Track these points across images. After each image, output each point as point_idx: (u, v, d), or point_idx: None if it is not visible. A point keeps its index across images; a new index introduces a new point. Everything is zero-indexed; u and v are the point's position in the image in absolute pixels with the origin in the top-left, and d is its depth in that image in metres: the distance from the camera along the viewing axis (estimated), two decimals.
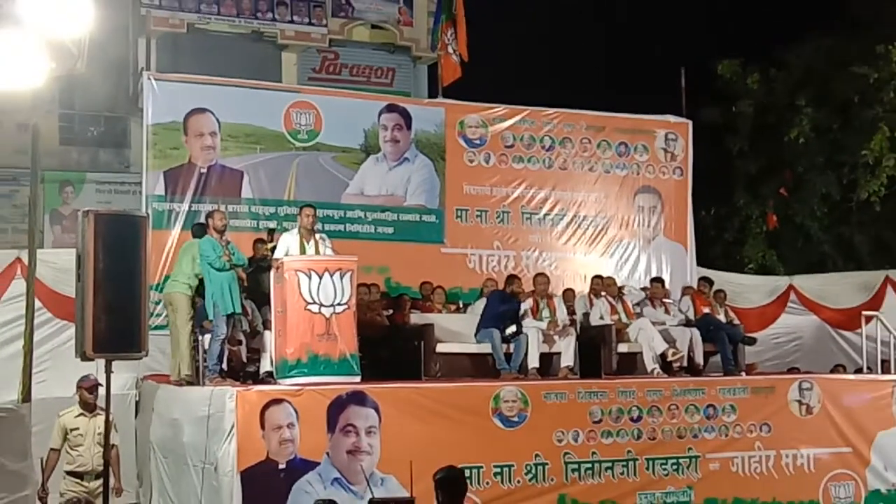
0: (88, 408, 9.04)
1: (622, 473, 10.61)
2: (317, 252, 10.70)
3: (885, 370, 12.97)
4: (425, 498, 7.36)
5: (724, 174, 19.96)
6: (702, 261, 16.53)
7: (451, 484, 6.08)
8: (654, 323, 12.47)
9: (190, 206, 13.04)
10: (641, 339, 12.22)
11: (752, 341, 13.47)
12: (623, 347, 12.25)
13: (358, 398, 9.75)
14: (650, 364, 12.01)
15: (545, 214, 15.01)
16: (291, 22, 19.94)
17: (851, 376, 13.16)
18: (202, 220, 12.00)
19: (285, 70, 19.77)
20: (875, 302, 15.91)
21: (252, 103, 13.82)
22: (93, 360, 7.61)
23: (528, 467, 10.27)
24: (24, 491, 6.67)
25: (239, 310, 10.63)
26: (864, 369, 13.81)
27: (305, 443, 9.51)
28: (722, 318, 13.13)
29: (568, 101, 15.68)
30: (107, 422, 8.06)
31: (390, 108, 14.61)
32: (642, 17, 28.38)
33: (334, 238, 12.05)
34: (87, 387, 9.01)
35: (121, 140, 19.30)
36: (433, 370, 11.52)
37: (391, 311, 12.39)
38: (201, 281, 10.88)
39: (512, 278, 12.67)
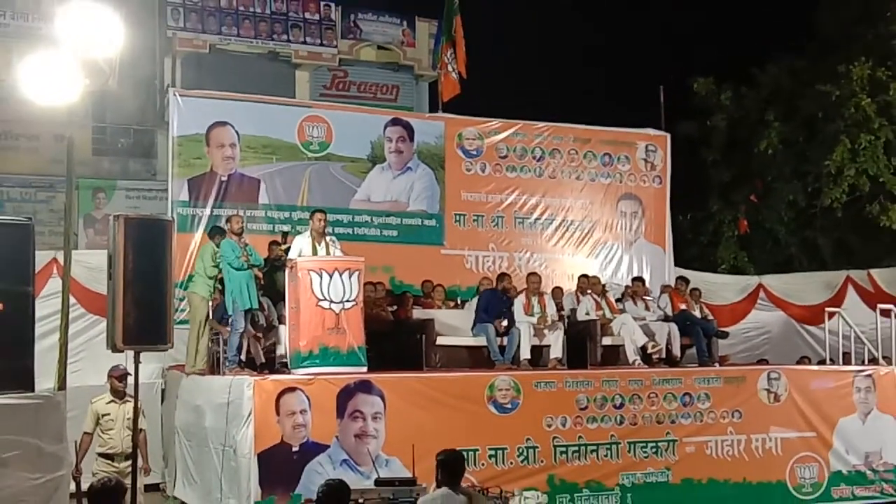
0: (118, 395, 9.03)
1: (606, 456, 10.61)
2: (327, 253, 10.70)
3: (847, 362, 12.98)
4: (426, 478, 7.36)
5: (700, 182, 19.99)
6: (679, 261, 16.55)
7: (452, 465, 6.10)
8: (635, 318, 12.49)
9: (211, 211, 13.06)
10: (624, 332, 12.23)
11: (725, 335, 13.49)
12: (607, 340, 12.26)
13: (365, 387, 9.75)
14: (632, 356, 12.03)
15: (536, 219, 15.02)
16: (304, 43, 19.98)
17: (815, 367, 13.17)
18: (222, 223, 12.06)
19: (299, 87, 19.79)
20: (837, 299, 15.92)
21: (268, 117, 13.84)
22: (122, 351, 7.61)
23: (520, 450, 10.27)
24: (59, 471, 6.65)
25: (256, 306, 10.65)
26: (827, 361, 13.83)
27: (317, 427, 9.51)
28: (697, 313, 13.14)
29: (557, 115, 15.70)
30: (135, 408, 8.06)
31: (395, 122, 14.64)
32: (626, 38, 28.48)
33: (343, 240, 12.06)
34: (118, 376, 9.01)
35: (148, 151, 19.32)
36: (433, 361, 11.52)
37: (395, 307, 12.37)
38: (219, 280, 10.96)
39: (503, 276, 12.71)
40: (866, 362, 12.77)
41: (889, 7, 18.08)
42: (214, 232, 11.53)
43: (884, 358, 12.88)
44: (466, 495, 5.98)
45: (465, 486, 6.11)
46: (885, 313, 13.46)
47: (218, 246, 11.07)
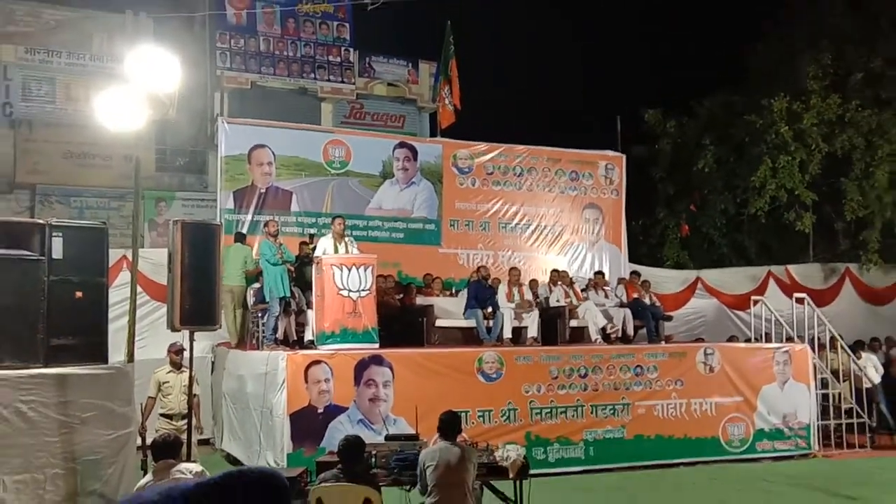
0: (176, 366, 9.03)
1: (573, 416, 10.64)
2: (346, 251, 10.71)
3: (768, 340, 13.01)
4: (427, 434, 7.36)
5: (649, 195, 19.97)
6: (632, 258, 16.56)
7: (451, 423, 6.11)
8: (596, 304, 12.53)
9: (252, 217, 13.07)
10: (588, 316, 12.26)
11: (669, 318, 13.53)
12: (574, 322, 12.30)
13: (377, 360, 9.78)
14: (594, 335, 12.05)
15: (516, 224, 15.03)
16: (328, 80, 19.96)
17: (742, 345, 13.19)
18: (260, 228, 12.12)
19: (323, 116, 19.77)
20: (760, 289, 15.96)
21: (299, 140, 13.86)
22: (179, 331, 7.59)
23: (503, 411, 10.30)
24: (128, 428, 6.63)
25: (289, 294, 10.66)
26: (753, 339, 13.85)
27: (338, 393, 9.53)
28: (647, 301, 13.16)
29: (534, 138, 15.71)
30: (190, 377, 8.05)
31: (401, 145, 14.65)
32: (590, 77, 28.53)
33: (359, 241, 12.10)
34: (175, 351, 9.01)
35: (201, 168, 19.29)
36: (433, 339, 11.54)
37: (402, 296, 12.39)
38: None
39: (480, 268, 12.73)
40: (784, 341, 12.82)
41: (802, 51, 18.11)
42: (238, 237, 11.64)
43: (798, 337, 12.94)
44: (460, 448, 5.98)
45: (459, 441, 6.11)
46: (800, 301, 13.53)
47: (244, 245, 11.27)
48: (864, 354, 13.68)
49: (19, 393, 6.02)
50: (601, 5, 30.45)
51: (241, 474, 1.48)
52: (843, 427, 12.51)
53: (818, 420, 12.17)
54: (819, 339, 13.33)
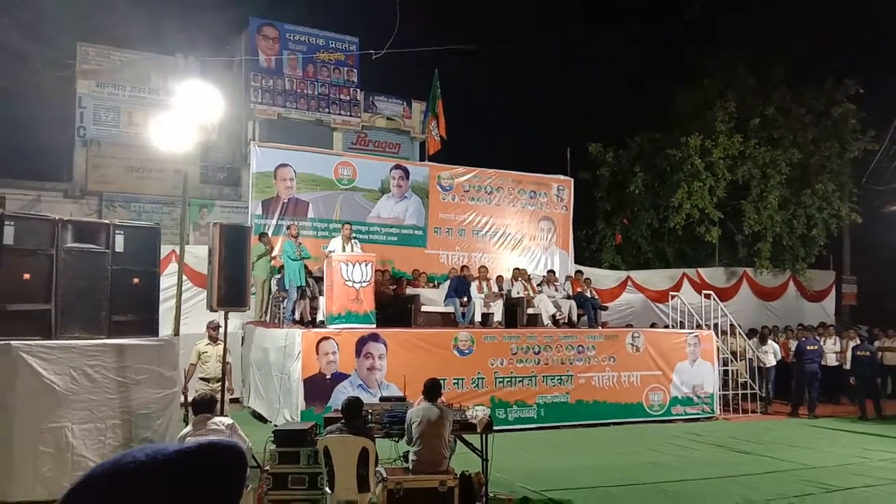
0: (213, 340, 8.96)
1: (528, 384, 10.68)
2: (352, 250, 10.69)
3: (682, 327, 13.13)
4: (413, 397, 7.34)
5: (591, 211, 20.07)
6: (577, 260, 16.61)
7: (434, 388, 6.11)
8: (548, 297, 12.56)
9: (276, 222, 12.98)
10: (541, 306, 12.30)
11: (605, 308, 13.62)
12: (530, 311, 12.33)
13: (374, 337, 9.76)
14: (546, 320, 12.09)
15: (486, 232, 15.04)
16: (339, 114, 19.90)
17: (662, 330, 13.30)
18: (283, 231, 12.03)
19: (335, 143, 19.69)
20: (677, 287, 16.09)
21: (315, 161, 13.79)
22: (216, 311, 7.54)
23: (473, 380, 10.31)
24: (173, 389, 6.59)
25: (305, 284, 10.60)
26: (670, 326, 13.96)
27: (342, 363, 9.51)
28: (588, 294, 13.23)
29: (502, 164, 15.75)
30: (224, 348, 7.99)
31: (397, 167, 14.61)
32: (547, 116, 28.62)
33: (363, 243, 12.08)
34: (213, 327, 8.94)
35: (236, 181, 19.15)
36: (419, 321, 11.52)
37: (395, 287, 12.36)
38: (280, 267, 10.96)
39: (464, 268, 12.74)
40: (694, 328, 12.93)
41: (713, 102, 18.28)
42: (263, 236, 11.59)
43: (705, 325, 13.04)
44: (439, 408, 5.98)
45: (439, 402, 6.11)
46: (707, 297, 13.65)
47: (266, 245, 11.17)
48: (769, 342, 13.84)
49: (86, 358, 5.99)
50: (556, 63, 30.68)
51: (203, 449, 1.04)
52: (740, 396, 12.65)
53: (720, 390, 12.30)
54: (721, 327, 13.47)
